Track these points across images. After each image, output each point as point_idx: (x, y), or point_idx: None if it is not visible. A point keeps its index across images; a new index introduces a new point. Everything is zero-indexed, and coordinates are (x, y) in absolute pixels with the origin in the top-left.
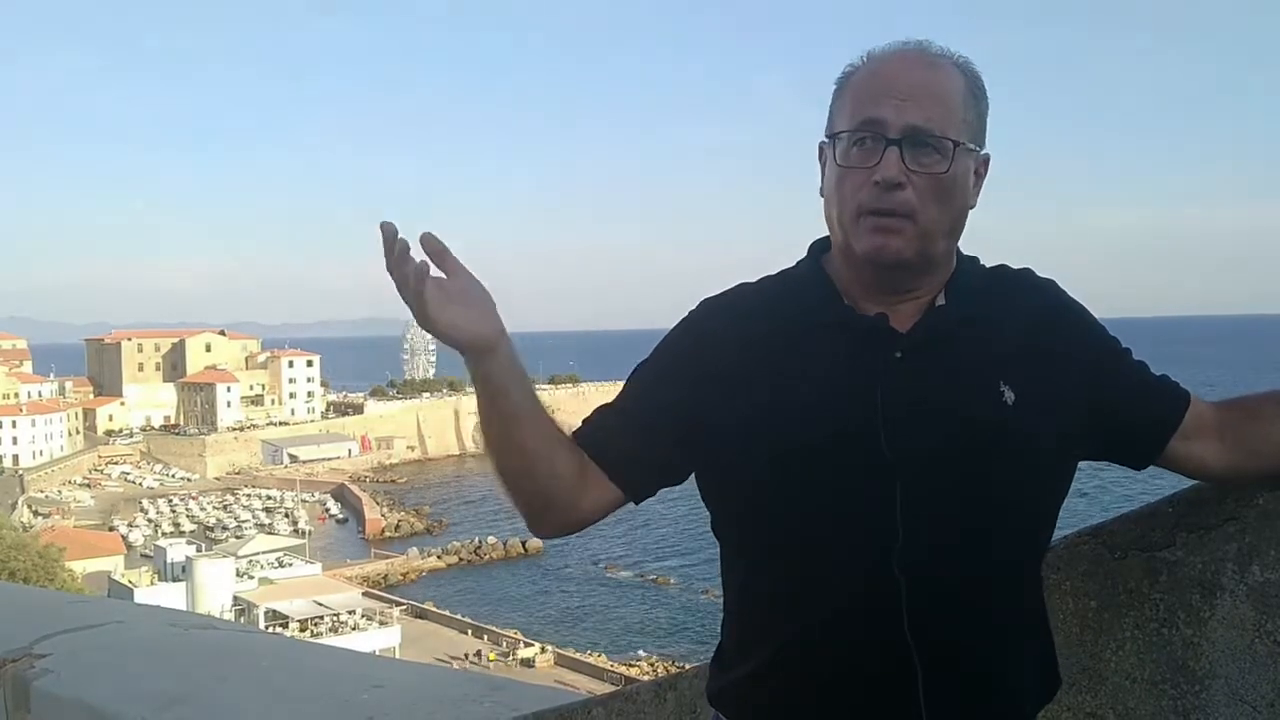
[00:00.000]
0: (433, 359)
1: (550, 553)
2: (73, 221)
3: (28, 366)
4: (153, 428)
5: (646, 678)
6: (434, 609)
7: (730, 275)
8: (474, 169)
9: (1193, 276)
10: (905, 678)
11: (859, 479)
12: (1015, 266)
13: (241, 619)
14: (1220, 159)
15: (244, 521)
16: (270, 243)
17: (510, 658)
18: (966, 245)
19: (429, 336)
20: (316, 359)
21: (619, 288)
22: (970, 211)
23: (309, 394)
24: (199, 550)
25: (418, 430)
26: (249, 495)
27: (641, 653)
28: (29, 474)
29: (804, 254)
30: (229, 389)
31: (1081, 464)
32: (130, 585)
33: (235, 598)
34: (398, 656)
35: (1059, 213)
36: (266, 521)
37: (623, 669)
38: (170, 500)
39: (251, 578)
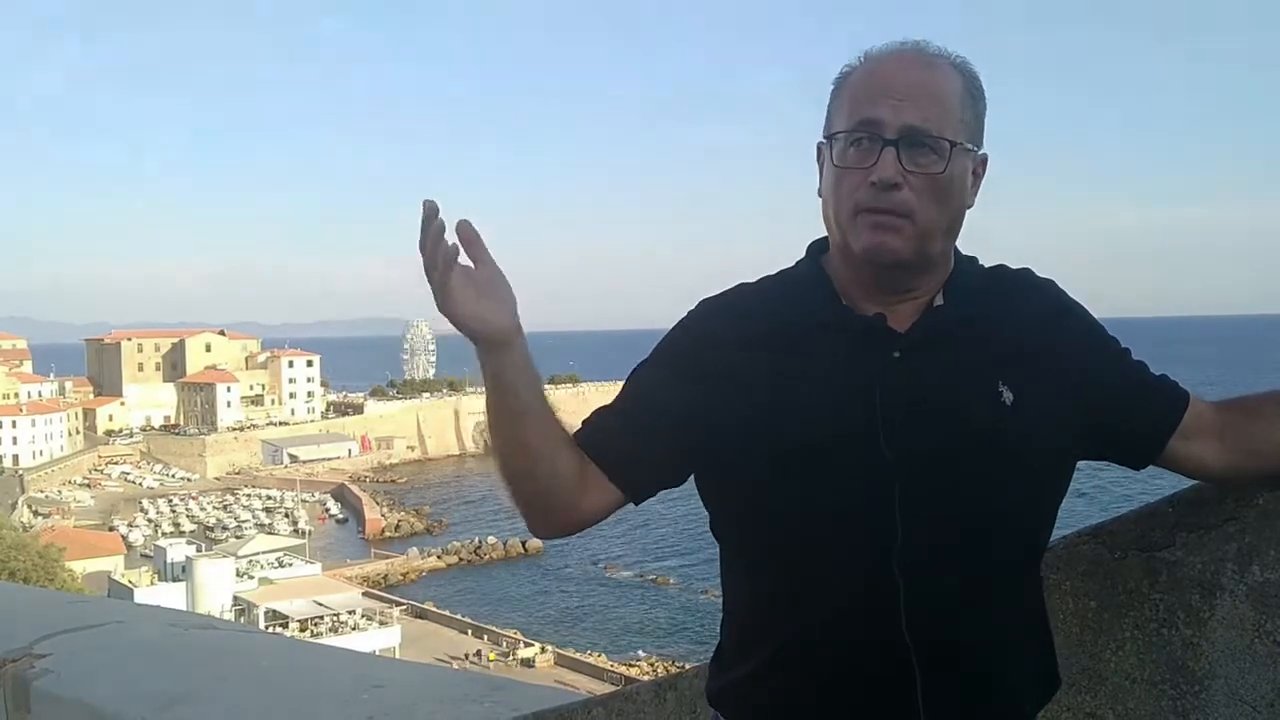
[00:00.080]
0: (433, 359)
1: (550, 553)
2: (73, 221)
3: (28, 366)
4: (153, 428)
5: (646, 678)
6: (434, 609)
7: (730, 275)
8: (474, 168)
9: (1193, 276)
10: (904, 678)
11: (858, 479)
12: (1014, 266)
13: (241, 619)
14: (1221, 159)
15: (244, 521)
16: (270, 243)
17: (510, 658)
18: (965, 245)
19: (429, 337)
20: (316, 359)
21: (619, 288)
22: (968, 211)
23: (309, 394)
24: (199, 550)
25: (418, 430)
26: (249, 495)
27: (641, 653)
28: (29, 474)
29: (803, 254)
30: (229, 389)
31: (1081, 464)
32: (130, 585)
33: (235, 598)
34: (398, 656)
35: (1059, 213)
36: (266, 521)
37: (622, 669)
38: (170, 500)
39: (251, 578)
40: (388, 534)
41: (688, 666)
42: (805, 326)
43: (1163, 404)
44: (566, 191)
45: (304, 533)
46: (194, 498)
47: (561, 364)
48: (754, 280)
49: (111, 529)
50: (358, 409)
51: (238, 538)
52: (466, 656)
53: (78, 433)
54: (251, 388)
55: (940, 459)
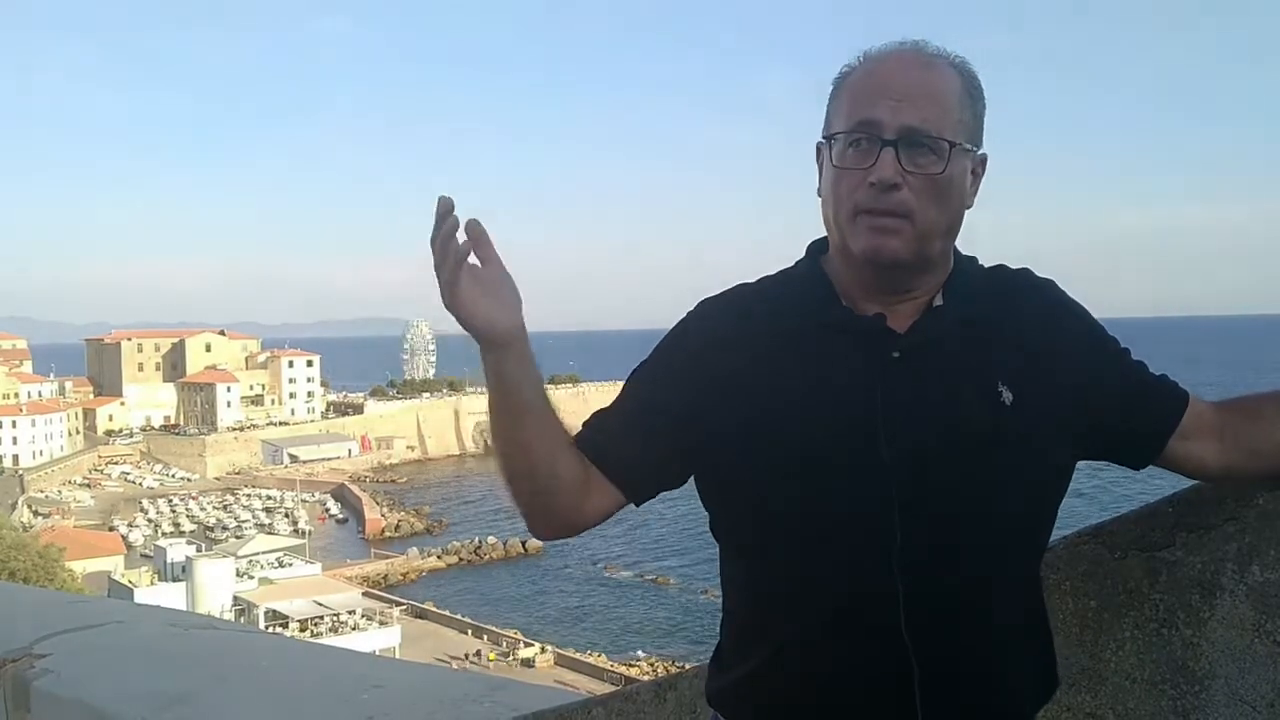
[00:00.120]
0: (433, 359)
1: (550, 553)
2: (73, 221)
3: (28, 366)
4: (153, 428)
5: (646, 678)
6: (434, 609)
7: (730, 275)
8: (474, 168)
9: (1193, 276)
10: (903, 678)
11: (857, 479)
12: (1014, 266)
13: (241, 619)
14: (1221, 159)
15: (244, 521)
16: (270, 243)
17: (510, 658)
18: (965, 245)
19: (429, 337)
20: (316, 359)
21: (619, 288)
22: (968, 211)
23: (309, 394)
24: (199, 550)
25: (418, 430)
26: (249, 495)
27: (640, 653)
28: (29, 474)
29: (803, 254)
30: (229, 389)
31: (1081, 464)
32: (130, 585)
33: (235, 598)
34: (398, 656)
35: (1059, 213)
36: (266, 521)
37: (622, 669)
38: (170, 500)
39: (251, 578)
40: (388, 534)
41: (687, 666)
42: (805, 327)
43: (1162, 404)
44: (567, 191)
45: (304, 533)
46: (194, 498)
47: (561, 364)
48: (754, 280)
49: (111, 529)
50: (358, 409)
51: (238, 538)
52: (466, 656)
53: (78, 433)
54: (251, 388)
55: (940, 459)
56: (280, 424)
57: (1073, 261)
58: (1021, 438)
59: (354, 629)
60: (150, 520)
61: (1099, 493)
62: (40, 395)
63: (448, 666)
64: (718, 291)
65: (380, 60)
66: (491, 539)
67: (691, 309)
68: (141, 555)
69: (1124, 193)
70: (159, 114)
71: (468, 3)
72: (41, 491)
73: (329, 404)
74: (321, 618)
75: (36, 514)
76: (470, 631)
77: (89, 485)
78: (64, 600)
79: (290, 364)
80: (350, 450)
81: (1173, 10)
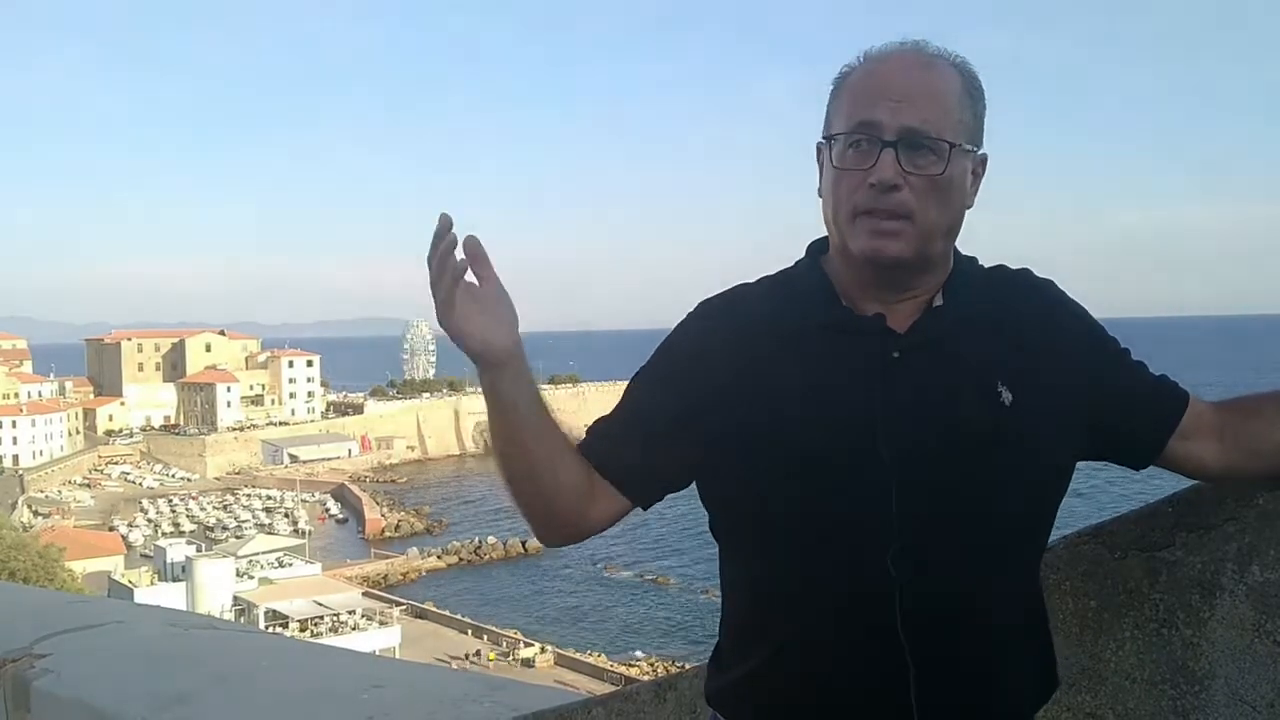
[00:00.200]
0: (433, 359)
1: (550, 553)
2: (73, 221)
3: (28, 366)
4: (153, 428)
5: (646, 678)
6: (434, 609)
7: (730, 275)
8: (474, 168)
9: (1193, 276)
10: (901, 678)
11: (857, 479)
12: (1014, 267)
13: (241, 619)
14: (1222, 159)
15: (244, 521)
16: (270, 243)
17: (510, 658)
18: (964, 245)
19: (429, 337)
20: (316, 359)
21: (619, 288)
22: (968, 211)
23: (309, 394)
24: (199, 550)
25: (418, 430)
26: (249, 495)
27: (640, 653)
28: (29, 474)
29: (802, 254)
30: (229, 389)
31: (1081, 464)
32: (130, 585)
33: (235, 598)
34: (398, 656)
35: (1058, 213)
36: (266, 521)
37: (622, 669)
38: (170, 500)
39: (251, 578)
40: (388, 534)
41: (687, 666)
42: (805, 327)
43: (1162, 404)
44: (567, 191)
45: (304, 533)
46: (194, 498)
47: (561, 364)
48: (754, 280)
49: (111, 529)
50: (358, 409)
51: (238, 538)
52: (466, 656)
53: (78, 433)
54: (251, 388)
55: (939, 459)
56: (280, 424)
57: (1073, 261)
58: (1021, 438)
59: (354, 629)
60: (150, 520)
61: (1099, 493)
62: (40, 395)
63: (448, 666)
64: (718, 292)
65: (380, 60)
66: (491, 539)
67: (691, 310)
68: (141, 555)
69: (1124, 193)
70: (159, 114)
71: (468, 3)
72: (41, 491)
73: (329, 404)
74: (321, 618)
75: (36, 514)
76: (470, 631)
77: (89, 485)
78: (64, 600)
79: (290, 364)
80: (350, 450)
81: (1173, 10)
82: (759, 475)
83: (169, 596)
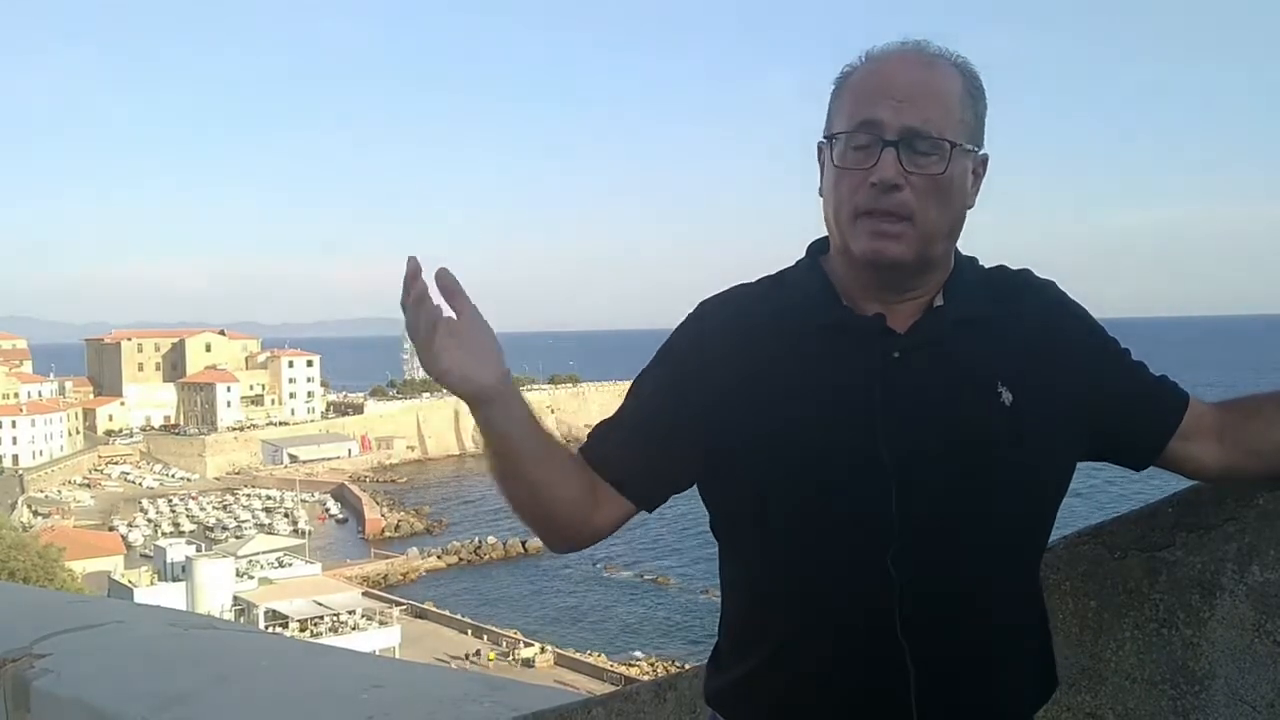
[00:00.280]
0: None
1: (549, 553)
2: (73, 221)
3: (28, 366)
4: (153, 428)
5: (646, 677)
6: (434, 609)
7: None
8: (474, 168)
9: (1193, 276)
10: (900, 678)
11: (856, 479)
12: (1014, 267)
13: (241, 619)
14: (1222, 159)
15: (244, 521)
16: (270, 243)
17: (510, 658)
18: (966, 246)
19: None
20: (316, 359)
21: (619, 288)
22: (969, 212)
23: (309, 394)
24: (199, 550)
25: (418, 430)
26: (249, 495)
27: (639, 653)
28: (29, 474)
29: (803, 254)
30: (229, 389)
31: (1081, 464)
32: (130, 585)
33: (235, 598)
34: (398, 656)
35: (1058, 213)
36: (266, 521)
37: (622, 669)
38: (170, 500)
39: (251, 578)
40: (388, 534)
41: (687, 666)
42: (805, 327)
43: (1163, 405)
44: (567, 192)
45: (304, 533)
46: (194, 498)
47: (561, 364)
48: (753, 281)
49: (111, 529)
50: (358, 409)
51: (238, 538)
52: (466, 656)
53: (78, 433)
54: (251, 388)
55: (939, 460)
56: (280, 424)
57: (1072, 261)
58: (1021, 438)
59: (354, 629)
60: (150, 520)
61: (1099, 493)
62: (40, 395)
63: (448, 666)
64: (717, 292)
65: (380, 61)
66: (491, 539)
67: (691, 311)
68: (141, 555)
69: (1124, 193)
70: (159, 114)
71: (468, 3)
72: (41, 491)
73: (329, 404)
74: (321, 618)
75: (36, 514)
76: (470, 631)
77: (89, 485)
78: (64, 600)
79: (290, 364)
80: (350, 450)
81: (1174, 11)
82: (759, 476)
83: (169, 596)
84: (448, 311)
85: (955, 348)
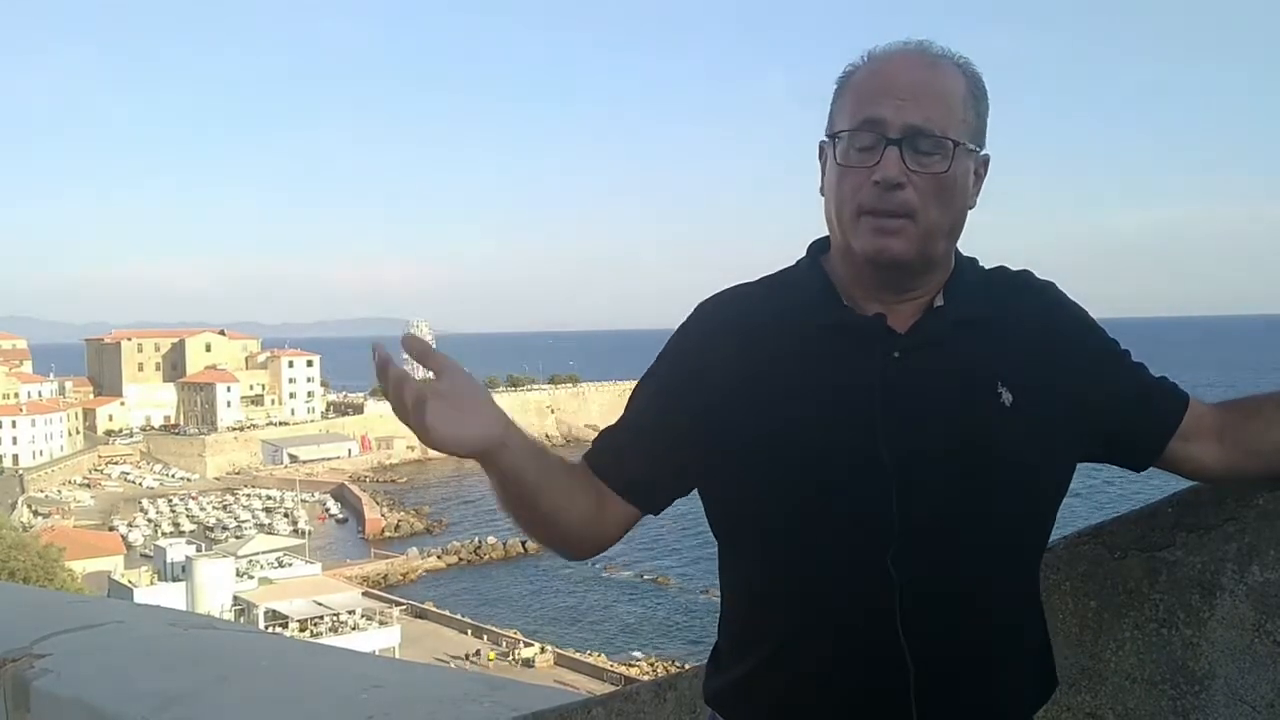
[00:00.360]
0: None
1: (550, 554)
2: (73, 221)
3: (28, 366)
4: (153, 428)
5: (646, 677)
6: (434, 609)
7: (730, 275)
8: (475, 168)
9: (1193, 276)
10: (899, 679)
11: (857, 480)
12: (1014, 268)
13: (241, 619)
14: (1222, 159)
15: (244, 521)
16: (270, 243)
17: (510, 658)
18: (966, 246)
19: (429, 336)
20: (316, 359)
21: (619, 288)
22: (969, 212)
23: (309, 394)
24: (199, 550)
25: None
26: (249, 495)
27: (639, 653)
28: (29, 474)
29: (803, 254)
30: (229, 389)
31: (1081, 464)
32: (130, 585)
33: (235, 598)
34: (398, 656)
35: (1059, 214)
36: (266, 521)
37: (622, 669)
38: (170, 500)
39: (251, 578)
40: (388, 534)
41: (687, 666)
42: (805, 327)
43: (1162, 406)
44: (567, 192)
45: (304, 533)
46: (194, 498)
47: (561, 364)
48: (753, 280)
49: (111, 529)
50: (358, 409)
51: (238, 538)
52: (466, 656)
53: (78, 433)
54: (251, 388)
55: (939, 460)
56: (280, 424)
57: (1073, 261)
58: (1021, 439)
59: (354, 629)
60: (150, 520)
61: (1098, 493)
62: (40, 395)
63: (448, 666)
64: (717, 292)
65: (380, 61)
66: (491, 539)
67: (692, 311)
68: (141, 555)
69: (1124, 193)
70: (159, 114)
71: (467, 4)
72: (41, 491)
73: (329, 404)
74: (321, 618)
75: (36, 514)
76: (470, 631)
77: (89, 485)
78: (64, 600)
79: (290, 364)
80: (350, 450)
81: (1174, 11)
82: (759, 476)
83: (169, 596)
84: (422, 373)
85: (956, 348)
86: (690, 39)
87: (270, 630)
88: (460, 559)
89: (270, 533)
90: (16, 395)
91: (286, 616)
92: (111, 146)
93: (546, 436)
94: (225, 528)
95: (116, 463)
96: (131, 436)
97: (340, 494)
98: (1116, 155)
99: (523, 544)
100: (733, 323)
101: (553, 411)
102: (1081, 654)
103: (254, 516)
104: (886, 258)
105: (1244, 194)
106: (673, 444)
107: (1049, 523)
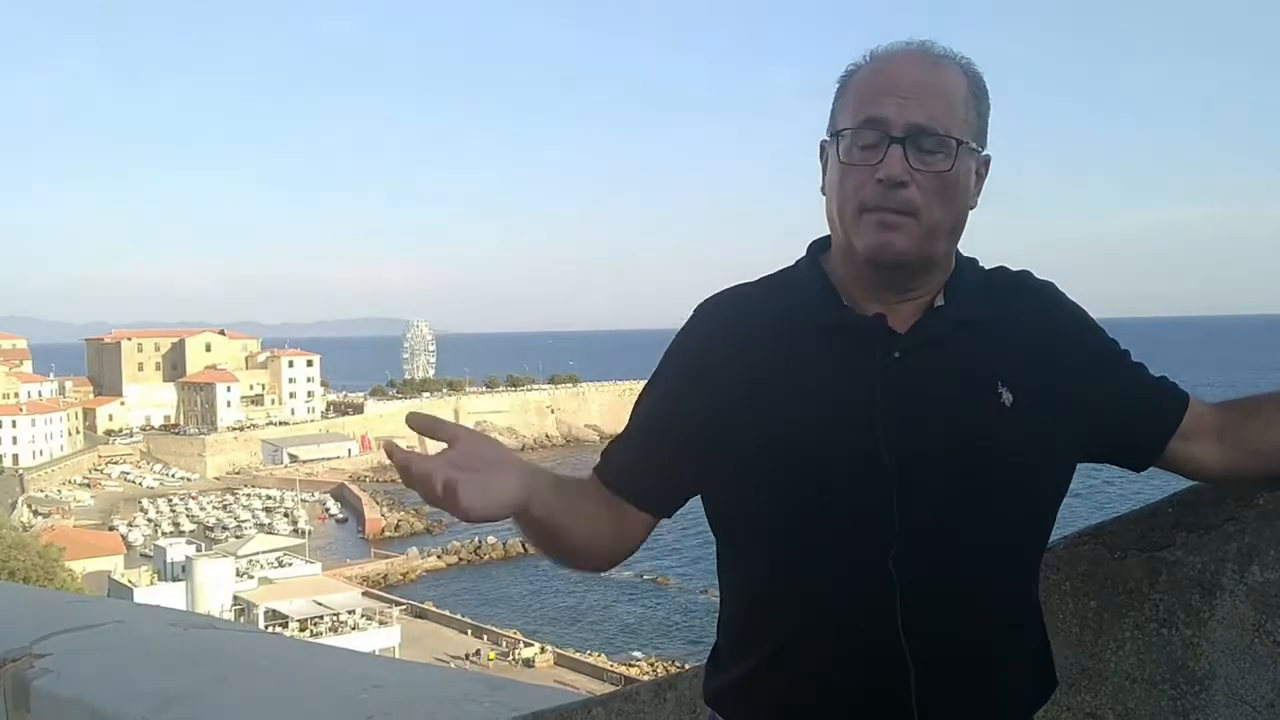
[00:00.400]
0: (433, 359)
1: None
2: (73, 221)
3: (28, 366)
4: (153, 427)
5: (646, 677)
6: (434, 609)
7: (730, 275)
8: (475, 168)
9: (1193, 276)
10: (900, 678)
11: (857, 480)
12: (1014, 268)
13: (241, 619)
14: (1222, 159)
15: (244, 521)
16: (270, 243)
17: (510, 658)
18: (966, 246)
19: (429, 336)
20: (316, 359)
21: (619, 288)
22: (970, 212)
23: (309, 394)
24: (199, 550)
25: None
26: (249, 495)
27: (639, 653)
28: (29, 474)
29: (803, 253)
30: (229, 389)
31: (1081, 464)
32: (130, 585)
33: (235, 598)
34: (398, 656)
35: (1059, 214)
36: (266, 521)
37: (622, 669)
38: (170, 500)
39: (251, 577)
40: (387, 534)
41: (687, 666)
42: (805, 327)
43: (1162, 406)
44: (567, 191)
45: (304, 532)
46: (194, 497)
47: (561, 364)
48: (753, 280)
49: (111, 529)
50: (358, 409)
51: (238, 537)
52: (466, 656)
53: (78, 432)
54: (251, 388)
55: (939, 460)
56: (280, 424)
57: (1072, 261)
58: (1021, 439)
59: (354, 629)
60: (150, 520)
61: (1098, 493)
62: (40, 395)
63: (448, 666)
64: (717, 292)
65: (381, 61)
66: (491, 539)
67: (692, 312)
68: (141, 555)
69: (1124, 193)
70: (159, 114)
71: (467, 4)
72: (41, 491)
73: (329, 404)
74: (321, 617)
75: (36, 514)
76: (470, 631)
77: (89, 485)
78: (64, 600)
79: (290, 364)
80: (350, 450)
81: (1174, 11)
82: (760, 476)
83: (169, 596)
84: (436, 447)
85: (956, 348)
86: (691, 37)
87: (270, 630)
88: (460, 559)
89: (270, 532)
90: (16, 395)
91: (286, 616)
92: (111, 146)
93: (546, 436)
94: (225, 527)
95: (116, 462)
96: (131, 436)
97: (340, 494)
98: (1116, 155)
99: (523, 544)
100: (733, 323)
101: (553, 411)
102: (1081, 654)
103: (254, 516)
104: (889, 254)
105: (1244, 194)
106: (681, 448)
107: (1049, 523)
